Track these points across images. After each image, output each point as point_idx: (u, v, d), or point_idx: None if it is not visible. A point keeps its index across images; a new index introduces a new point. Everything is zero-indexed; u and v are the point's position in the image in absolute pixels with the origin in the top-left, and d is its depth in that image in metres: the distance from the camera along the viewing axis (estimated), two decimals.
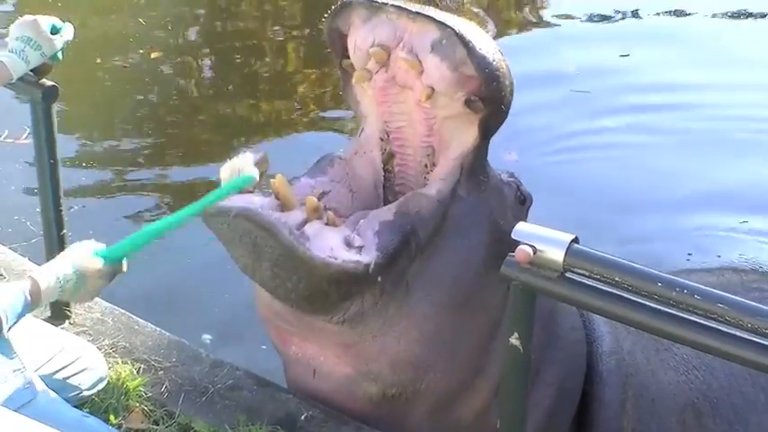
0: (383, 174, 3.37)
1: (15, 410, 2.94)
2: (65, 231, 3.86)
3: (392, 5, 3.01)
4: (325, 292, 2.95)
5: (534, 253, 2.43)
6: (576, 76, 8.44)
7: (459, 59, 2.95)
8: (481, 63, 2.94)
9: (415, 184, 3.32)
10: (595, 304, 2.44)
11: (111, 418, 3.47)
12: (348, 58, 3.21)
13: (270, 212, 2.89)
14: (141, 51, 8.91)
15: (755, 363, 2.22)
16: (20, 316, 2.96)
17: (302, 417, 3.46)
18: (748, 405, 3.77)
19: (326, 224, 2.97)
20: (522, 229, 2.48)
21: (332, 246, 2.88)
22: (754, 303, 2.23)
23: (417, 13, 2.96)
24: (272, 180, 3.02)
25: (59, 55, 3.51)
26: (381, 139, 3.34)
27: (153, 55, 8.84)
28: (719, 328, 2.23)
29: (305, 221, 2.93)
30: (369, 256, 2.92)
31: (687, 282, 2.29)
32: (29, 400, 3.08)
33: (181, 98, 8.31)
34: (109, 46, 8.88)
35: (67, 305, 3.94)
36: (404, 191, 3.34)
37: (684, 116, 7.76)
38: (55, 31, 3.47)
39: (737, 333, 2.21)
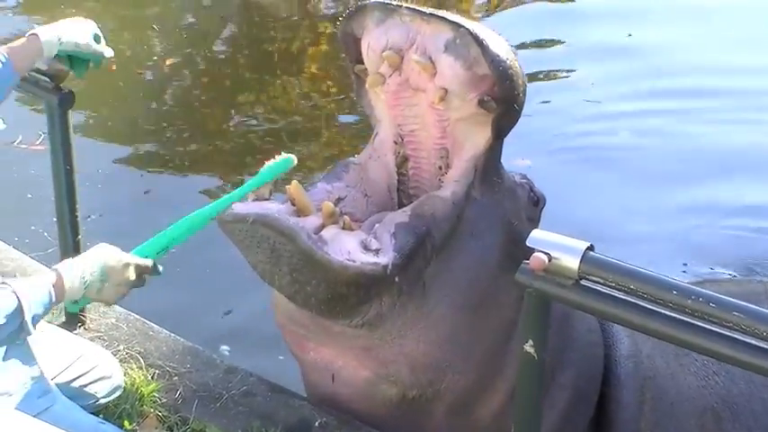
0: (397, 177, 3.39)
1: (34, 417, 2.95)
2: (80, 238, 3.87)
3: (406, 7, 3.04)
4: (345, 295, 2.96)
5: (549, 260, 2.42)
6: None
7: (473, 58, 2.98)
8: (495, 61, 2.96)
9: (430, 186, 3.33)
10: (610, 312, 2.43)
11: (126, 423, 3.48)
12: (362, 62, 3.23)
13: (287, 218, 2.91)
14: (156, 59, 8.94)
15: None
16: (45, 312, 2.95)
17: (316, 423, 3.46)
18: None
19: (343, 228, 2.99)
20: (537, 237, 2.47)
21: (349, 249, 2.91)
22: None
23: (431, 14, 2.99)
24: (287, 187, 3.04)
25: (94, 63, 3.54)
26: (395, 143, 3.36)
27: (168, 62, 8.88)
28: (735, 336, 2.22)
29: (322, 226, 2.96)
30: (386, 258, 2.94)
31: (702, 290, 2.28)
32: (47, 407, 3.09)
33: (197, 106, 8.33)
34: (123, 53, 8.93)
35: (83, 310, 3.95)
36: (418, 194, 3.35)
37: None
38: (97, 39, 3.50)
39: (754, 342, 2.20)
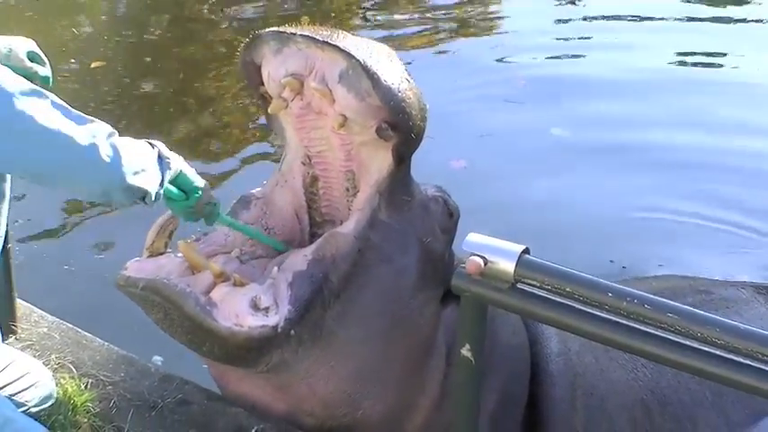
0: (310, 196, 3.41)
1: None
2: (9, 245, 3.78)
3: (300, 35, 3.02)
4: (240, 355, 3.02)
5: (485, 264, 2.42)
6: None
7: (365, 90, 2.98)
8: (387, 95, 2.97)
9: (340, 204, 3.37)
10: (547, 315, 2.44)
11: None
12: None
13: (176, 283, 2.98)
14: (85, 61, 8.79)
15: (706, 372, 2.23)
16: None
17: (253, 429, 3.43)
18: (695, 402, 3.82)
19: (234, 285, 3.03)
20: (472, 240, 2.47)
21: (237, 312, 2.93)
22: (703, 313, 2.24)
23: (325, 42, 2.98)
24: (179, 243, 3.11)
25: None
26: (303, 164, 3.38)
27: (94, 65, 8.73)
28: (670, 337, 2.24)
29: (213, 284, 3.02)
30: (276, 317, 2.96)
31: (637, 291, 2.30)
32: None
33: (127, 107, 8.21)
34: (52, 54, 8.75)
35: (13, 320, 3.88)
36: (330, 211, 3.41)
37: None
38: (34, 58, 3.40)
39: (687, 342, 2.22)
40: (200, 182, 3.14)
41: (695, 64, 8.95)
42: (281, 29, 3.08)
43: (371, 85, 2.95)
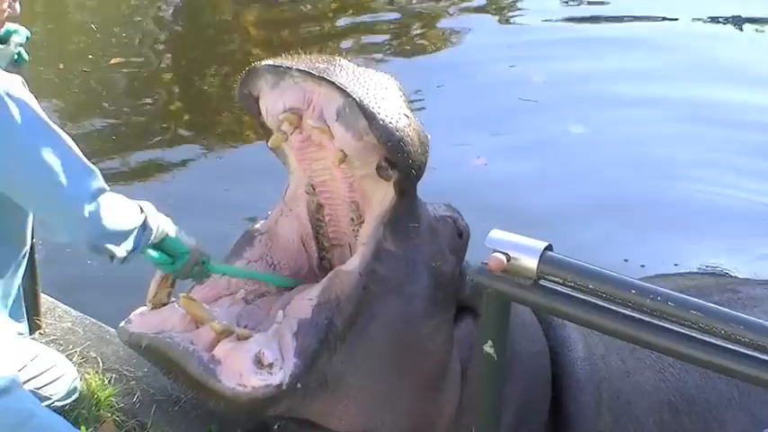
0: (316, 222, 3.39)
1: None
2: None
3: (297, 69, 2.98)
4: (245, 411, 3.07)
5: (508, 261, 2.41)
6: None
7: (362, 129, 2.94)
8: (384, 134, 2.92)
9: (347, 231, 3.35)
10: (569, 312, 2.41)
11: (83, 428, 3.43)
12: None
13: (180, 340, 2.96)
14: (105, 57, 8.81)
15: (730, 370, 2.20)
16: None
17: (275, 426, 3.43)
18: (723, 402, 3.78)
19: (238, 339, 2.99)
20: (495, 237, 2.45)
21: (241, 371, 2.90)
22: (727, 310, 2.21)
23: (322, 77, 2.93)
24: (180, 297, 3.09)
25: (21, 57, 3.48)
26: (307, 192, 3.35)
27: (113, 62, 8.76)
28: (694, 335, 2.22)
29: (216, 340, 2.99)
30: (281, 374, 2.92)
31: (661, 289, 2.28)
32: None
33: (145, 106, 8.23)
34: (69, 51, 8.80)
35: (38, 315, 3.90)
36: (338, 236, 3.39)
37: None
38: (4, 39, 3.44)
39: (711, 340, 2.20)
40: (187, 245, 3.16)
41: (716, 60, 8.85)
42: (278, 62, 3.04)
43: (367, 125, 2.91)
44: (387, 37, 9.63)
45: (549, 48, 9.02)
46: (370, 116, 2.89)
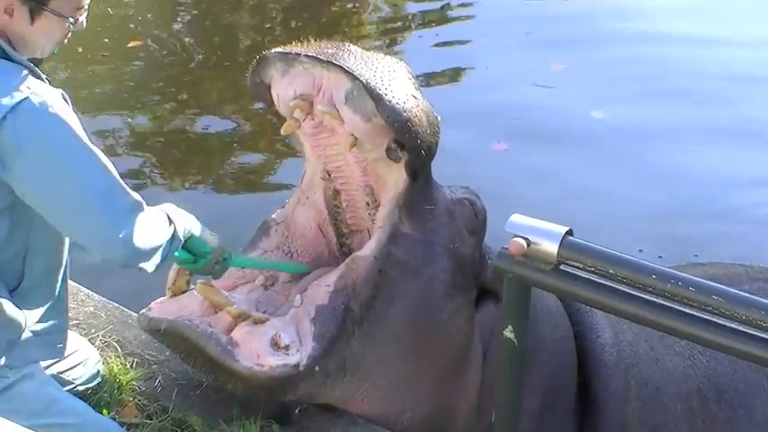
0: (334, 209, 3.43)
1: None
2: None
3: (306, 56, 3.02)
4: (264, 392, 3.09)
5: (528, 245, 2.41)
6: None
7: (370, 111, 2.97)
8: (391, 115, 2.95)
9: (364, 216, 3.38)
10: (590, 297, 2.42)
11: (105, 412, 3.46)
12: None
13: (197, 324, 3.04)
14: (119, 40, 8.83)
15: (751, 355, 2.20)
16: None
17: (296, 410, 3.45)
18: (751, 390, 3.78)
19: (255, 323, 3.05)
20: (515, 221, 2.46)
21: (258, 352, 2.97)
22: (747, 295, 2.20)
23: (330, 62, 2.96)
24: (198, 284, 3.17)
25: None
26: (323, 179, 3.39)
27: (131, 44, 8.78)
28: (714, 320, 2.22)
29: (234, 324, 3.06)
30: (298, 355, 2.99)
31: (681, 274, 2.27)
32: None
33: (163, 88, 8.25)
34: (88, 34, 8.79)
35: None
36: (356, 222, 3.42)
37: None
38: None
39: (732, 325, 2.19)
40: (210, 244, 3.17)
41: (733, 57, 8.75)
42: (287, 49, 3.08)
43: (375, 106, 2.94)
44: (405, 22, 9.62)
45: (569, 31, 8.98)
46: (377, 98, 2.92)
